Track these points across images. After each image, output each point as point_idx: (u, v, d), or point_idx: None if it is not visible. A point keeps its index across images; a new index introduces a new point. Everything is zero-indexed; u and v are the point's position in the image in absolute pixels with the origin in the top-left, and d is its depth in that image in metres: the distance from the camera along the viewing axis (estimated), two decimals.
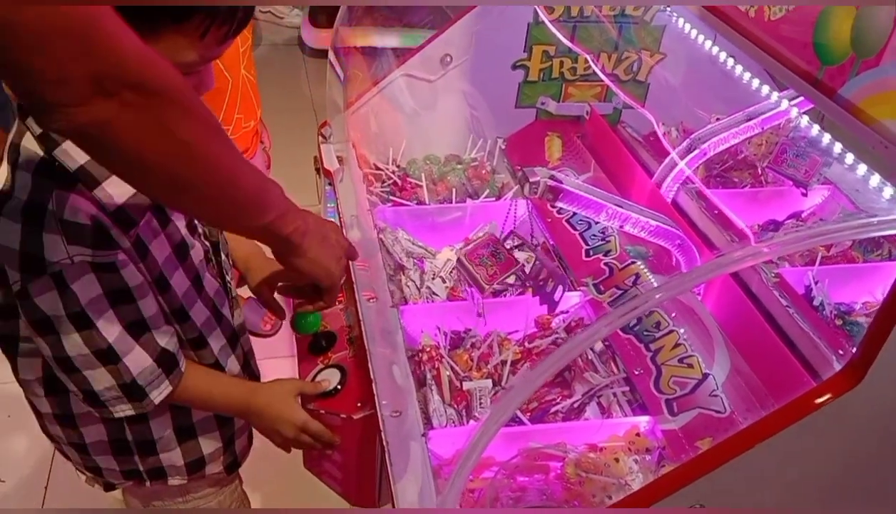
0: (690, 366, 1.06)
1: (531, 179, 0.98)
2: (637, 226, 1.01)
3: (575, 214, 1.38)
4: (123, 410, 0.93)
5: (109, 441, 1.03)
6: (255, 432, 1.13)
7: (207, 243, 1.03)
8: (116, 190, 0.84)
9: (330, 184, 1.50)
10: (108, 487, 1.11)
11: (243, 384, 1.07)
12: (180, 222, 0.96)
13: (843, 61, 0.65)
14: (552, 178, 0.99)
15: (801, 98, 0.90)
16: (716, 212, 1.23)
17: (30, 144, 0.82)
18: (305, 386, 1.10)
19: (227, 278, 1.09)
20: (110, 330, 0.87)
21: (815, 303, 1.19)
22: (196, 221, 1.00)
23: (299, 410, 1.06)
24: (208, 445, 1.08)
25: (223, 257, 1.08)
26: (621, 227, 1.02)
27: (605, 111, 1.56)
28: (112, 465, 1.06)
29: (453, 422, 1.06)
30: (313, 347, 1.20)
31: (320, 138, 1.56)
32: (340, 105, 1.54)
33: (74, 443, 1.04)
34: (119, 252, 0.85)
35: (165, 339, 0.93)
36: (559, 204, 1.00)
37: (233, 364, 1.07)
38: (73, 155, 0.81)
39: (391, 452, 0.94)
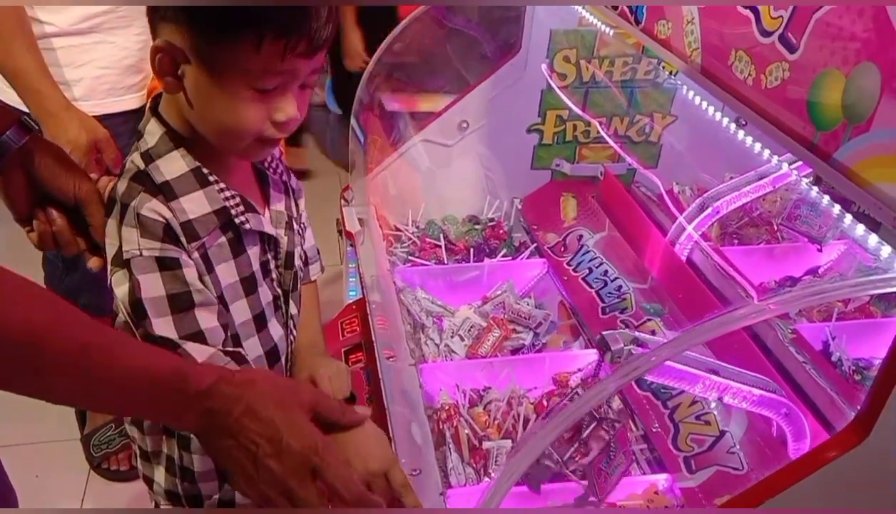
0: (708, 423, 1.06)
1: (613, 347, 0.88)
2: (738, 396, 0.91)
3: (591, 271, 1.40)
4: None
5: (167, 455, 1.05)
6: None
7: (278, 290, 1.07)
8: (190, 206, 0.92)
9: (352, 245, 1.54)
10: (156, 504, 1.12)
11: None
12: (255, 259, 1.00)
13: (836, 127, 0.68)
14: (635, 341, 0.88)
15: (799, 162, 0.92)
16: (729, 269, 1.24)
17: (136, 160, 0.94)
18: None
19: (291, 331, 1.11)
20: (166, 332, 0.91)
21: (833, 359, 1.18)
22: (270, 266, 1.03)
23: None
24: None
25: (293, 309, 1.11)
26: (720, 398, 0.93)
27: (619, 171, 1.60)
28: (161, 480, 1.08)
29: (472, 481, 1.07)
30: None
31: (342, 201, 1.62)
32: (362, 169, 1.60)
33: (140, 448, 1.07)
34: (184, 253, 0.91)
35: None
36: (649, 378, 0.92)
37: None
38: (162, 171, 0.92)
39: (410, 511, 0.94)
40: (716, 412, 1.07)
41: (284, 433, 0.76)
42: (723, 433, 1.04)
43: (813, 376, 1.02)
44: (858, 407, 0.96)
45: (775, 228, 1.50)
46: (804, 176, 1.03)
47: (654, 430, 1.10)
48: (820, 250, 1.40)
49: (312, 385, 1.13)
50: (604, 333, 0.88)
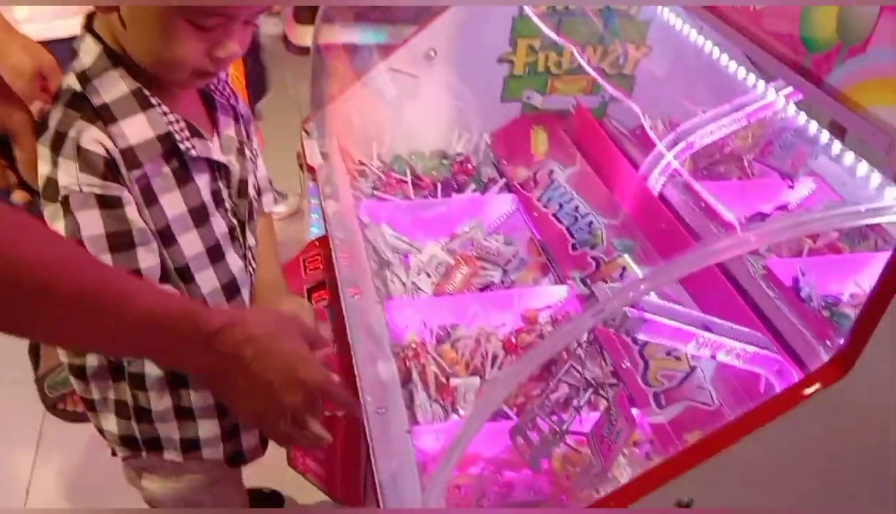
0: (678, 359, 1.05)
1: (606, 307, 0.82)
2: (731, 354, 0.89)
3: (562, 207, 1.37)
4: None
5: (114, 400, 1.03)
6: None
7: (233, 221, 1.02)
8: (132, 131, 0.87)
9: (313, 180, 1.48)
10: (113, 451, 1.12)
11: None
12: (205, 188, 0.96)
13: (830, 49, 0.64)
14: (632, 304, 0.84)
15: (790, 88, 0.89)
16: (703, 204, 1.22)
17: (71, 82, 0.88)
18: None
19: (251, 262, 1.08)
20: None
21: (803, 295, 1.18)
22: (223, 195, 0.99)
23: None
24: (206, 429, 1.07)
25: (250, 240, 1.07)
26: (714, 356, 0.90)
27: (592, 105, 1.56)
28: (112, 427, 1.06)
29: (439, 418, 1.05)
30: None
31: (303, 134, 1.55)
32: (323, 100, 1.52)
33: (85, 399, 1.05)
34: (126, 190, 0.87)
35: None
36: (640, 335, 0.86)
37: None
38: (100, 92, 0.87)
39: (375, 448, 0.92)
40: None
41: (299, 368, 0.80)
42: (693, 368, 1.03)
43: (785, 312, 1.01)
44: (828, 343, 0.97)
45: (746, 164, 1.48)
46: (791, 103, 0.99)
47: (623, 366, 1.09)
48: (791, 187, 1.39)
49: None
50: (593, 287, 0.85)
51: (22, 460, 1.82)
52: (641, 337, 0.86)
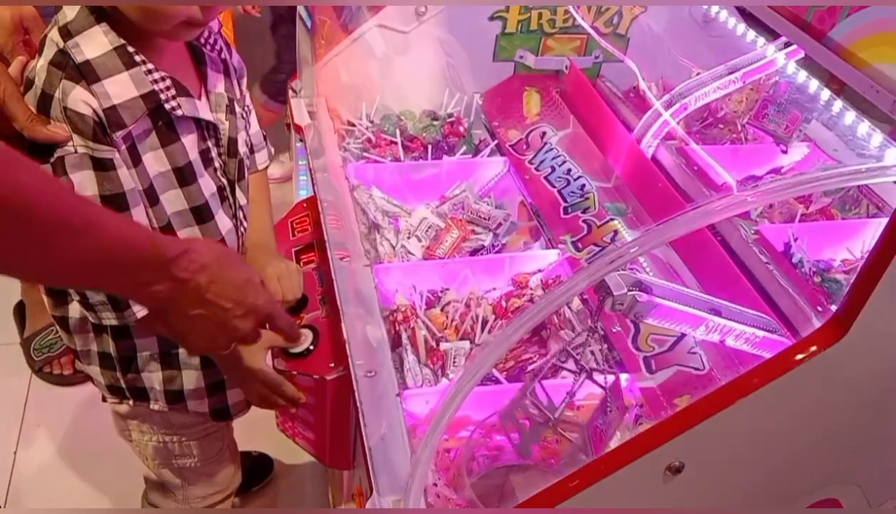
0: None
1: (615, 293, 0.81)
2: (741, 339, 0.86)
3: (554, 170, 1.35)
4: (109, 318, 0.94)
5: (97, 352, 1.04)
6: None
7: (223, 181, 1.01)
8: (115, 90, 0.85)
9: (301, 140, 1.46)
10: (103, 397, 1.13)
11: None
12: (192, 147, 0.94)
13: (833, 2, 0.62)
14: (639, 287, 0.81)
15: (792, 46, 0.86)
16: (695, 168, 1.21)
17: (54, 36, 0.86)
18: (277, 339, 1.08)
19: (242, 222, 1.07)
20: None
21: (795, 260, 1.17)
22: (211, 154, 0.98)
23: (263, 363, 1.05)
24: (189, 381, 1.08)
25: (241, 200, 1.06)
26: (722, 341, 0.88)
27: (585, 65, 1.53)
28: (98, 377, 1.07)
29: (428, 382, 1.04)
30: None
31: (290, 93, 1.51)
32: (310, 58, 1.49)
33: (72, 349, 1.06)
34: (116, 152, 0.87)
35: None
36: (649, 320, 0.84)
37: None
38: (82, 48, 0.85)
39: (365, 412, 0.92)
40: None
41: (248, 293, 0.82)
42: (683, 333, 1.03)
43: (776, 277, 1.00)
44: (819, 309, 0.96)
45: (739, 128, 1.46)
46: (791, 61, 0.97)
47: (614, 330, 1.08)
48: (785, 152, 1.37)
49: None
50: (605, 277, 0.82)
51: (9, 424, 1.81)
52: (650, 322, 0.84)
